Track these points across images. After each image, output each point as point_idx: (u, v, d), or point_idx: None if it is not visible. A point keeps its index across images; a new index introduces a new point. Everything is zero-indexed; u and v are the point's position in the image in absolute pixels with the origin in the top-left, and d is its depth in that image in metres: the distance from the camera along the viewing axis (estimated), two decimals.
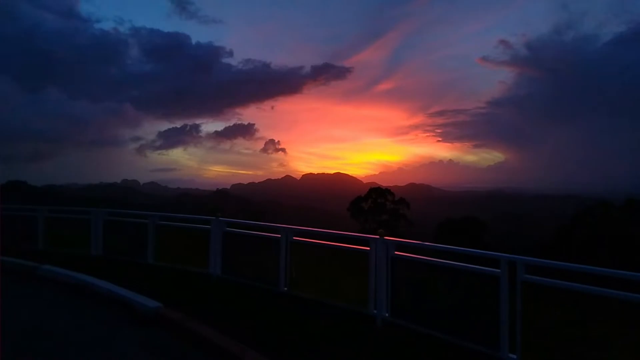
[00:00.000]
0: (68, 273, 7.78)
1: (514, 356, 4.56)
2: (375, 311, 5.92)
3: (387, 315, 5.83)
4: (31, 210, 10.97)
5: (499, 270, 4.76)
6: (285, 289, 7.00)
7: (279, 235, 7.14)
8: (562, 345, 4.26)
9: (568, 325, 4.30)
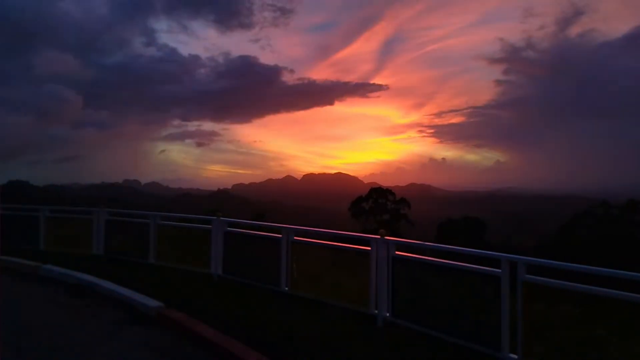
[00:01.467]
0: (69, 273, 7.80)
1: (515, 356, 4.56)
2: (376, 311, 5.92)
3: (388, 315, 5.83)
4: (33, 210, 10.98)
5: (499, 270, 4.76)
6: (287, 288, 7.01)
7: (280, 235, 7.15)
8: (563, 346, 4.26)
9: (569, 325, 4.30)
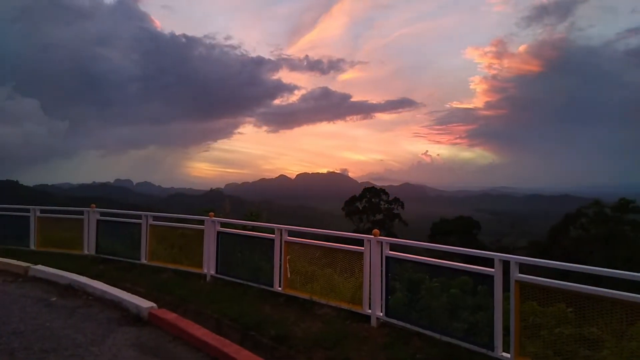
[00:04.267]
0: (60, 273, 7.72)
1: (508, 355, 4.58)
2: (369, 311, 5.92)
3: (381, 314, 5.83)
4: (23, 210, 10.86)
5: (492, 270, 4.77)
6: (280, 288, 6.98)
7: (273, 235, 7.13)
8: (555, 344, 4.28)
9: (562, 324, 4.31)
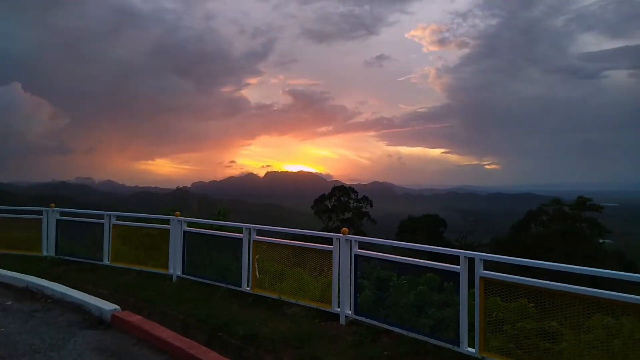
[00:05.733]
0: (16, 275, 7.40)
1: (473, 350, 4.68)
2: (338, 309, 5.93)
3: (350, 312, 5.85)
4: None
5: (458, 267, 4.87)
6: (248, 288, 6.91)
7: (242, 234, 7.05)
8: (517, 338, 4.40)
9: (523, 318, 4.45)
